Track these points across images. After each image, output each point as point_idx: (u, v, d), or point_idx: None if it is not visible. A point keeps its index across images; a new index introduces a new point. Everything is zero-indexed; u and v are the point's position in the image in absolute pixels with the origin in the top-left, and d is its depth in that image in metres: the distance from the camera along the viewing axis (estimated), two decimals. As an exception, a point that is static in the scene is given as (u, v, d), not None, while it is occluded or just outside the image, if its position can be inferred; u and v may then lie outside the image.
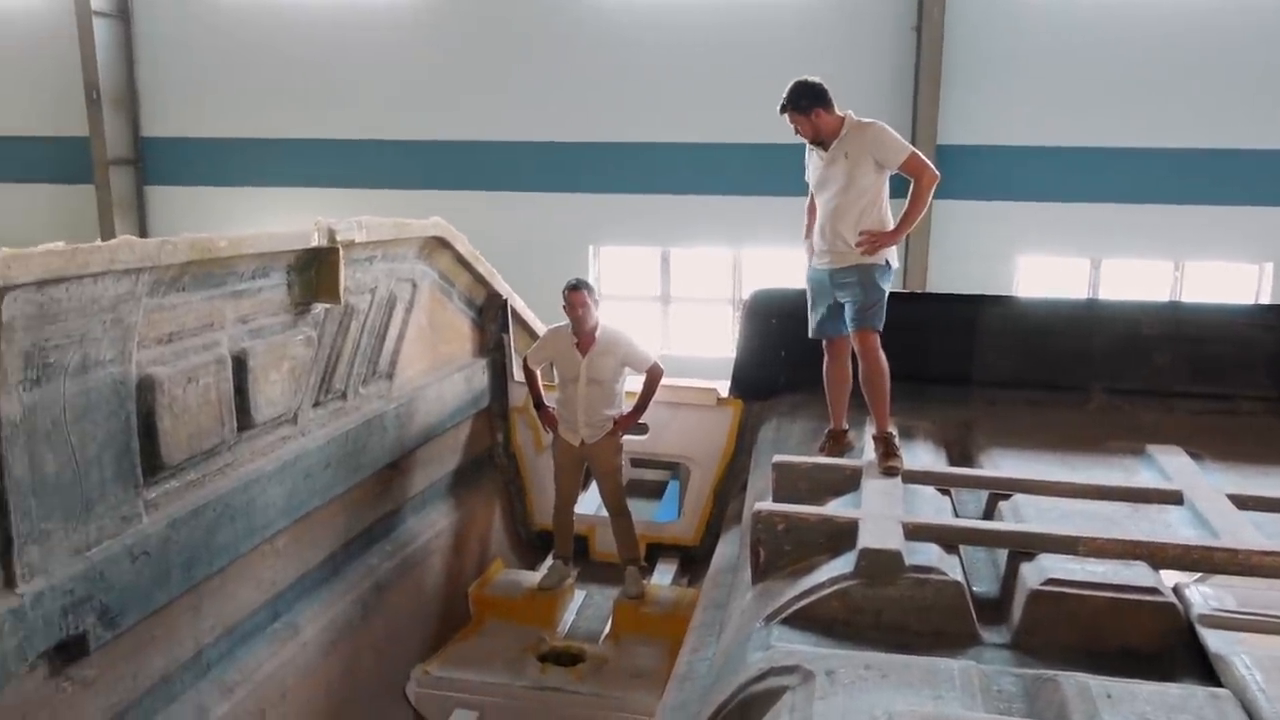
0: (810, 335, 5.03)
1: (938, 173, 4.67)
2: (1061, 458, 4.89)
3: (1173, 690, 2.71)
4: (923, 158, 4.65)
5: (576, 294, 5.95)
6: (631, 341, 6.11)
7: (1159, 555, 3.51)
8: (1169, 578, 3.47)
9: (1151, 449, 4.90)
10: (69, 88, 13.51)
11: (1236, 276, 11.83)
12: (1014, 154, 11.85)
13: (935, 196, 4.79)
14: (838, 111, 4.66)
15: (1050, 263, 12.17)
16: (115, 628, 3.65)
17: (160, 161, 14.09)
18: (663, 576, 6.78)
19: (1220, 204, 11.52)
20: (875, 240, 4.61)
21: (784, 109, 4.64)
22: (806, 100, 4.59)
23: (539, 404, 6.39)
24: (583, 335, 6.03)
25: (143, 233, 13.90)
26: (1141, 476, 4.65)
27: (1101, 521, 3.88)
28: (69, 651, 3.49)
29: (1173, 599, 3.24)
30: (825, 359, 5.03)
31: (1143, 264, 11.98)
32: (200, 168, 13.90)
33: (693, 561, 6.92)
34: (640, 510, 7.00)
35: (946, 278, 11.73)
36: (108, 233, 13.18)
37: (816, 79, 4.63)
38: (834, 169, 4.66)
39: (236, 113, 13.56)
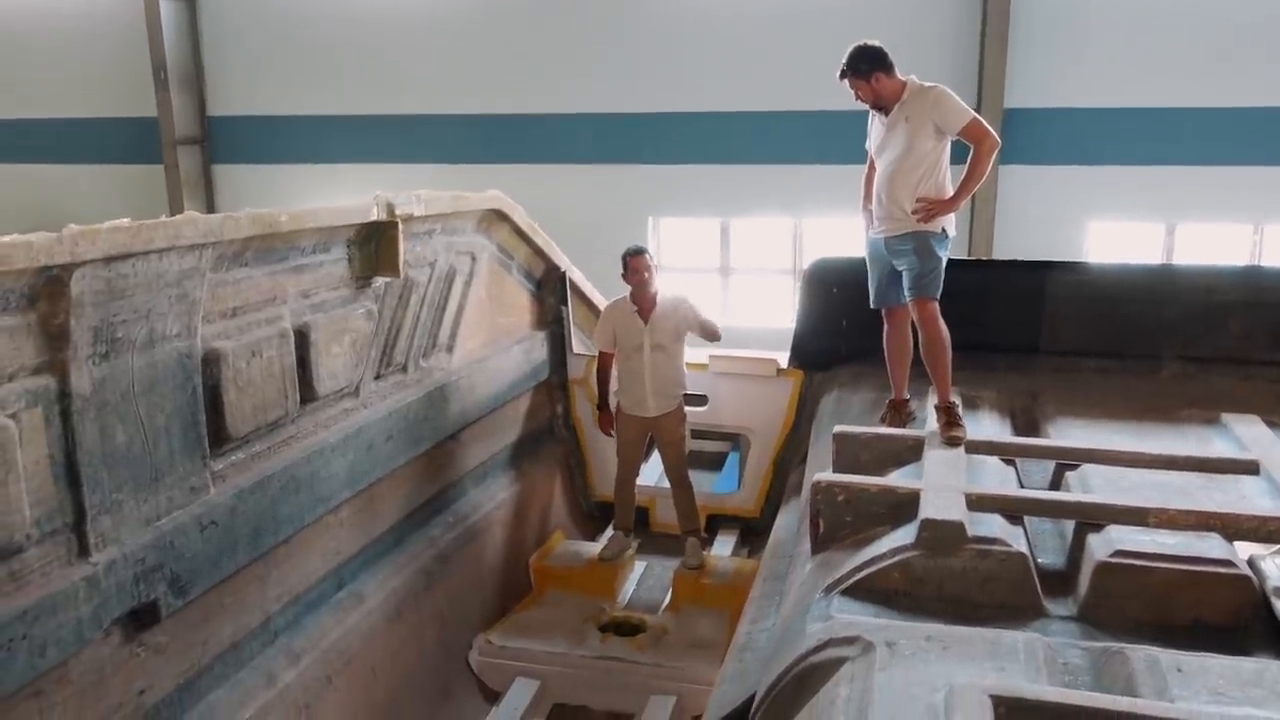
0: (872, 305, 4.97)
1: (998, 139, 4.57)
2: (1132, 427, 4.76)
3: (1246, 664, 2.63)
4: (984, 123, 4.54)
5: (638, 259, 5.97)
6: (695, 306, 6.10)
7: (1233, 527, 3.40)
8: (1243, 550, 3.36)
9: (1227, 418, 4.74)
10: (137, 69, 13.78)
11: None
12: (1084, 116, 11.48)
13: (1003, 162, 4.70)
14: (899, 76, 4.56)
15: (1123, 228, 11.79)
16: (185, 595, 3.74)
17: (226, 140, 14.33)
18: (723, 547, 6.77)
19: (1302, 164, 11.09)
20: (932, 207, 4.52)
21: (843, 74, 4.56)
22: (866, 64, 4.50)
23: (603, 405, 6.44)
24: (644, 302, 6.04)
25: (210, 210, 14.17)
26: (1216, 446, 4.50)
27: (1173, 492, 3.76)
28: (141, 618, 3.59)
29: (1247, 571, 3.14)
30: (885, 328, 4.96)
31: (1220, 228, 11.58)
32: (265, 145, 14.11)
33: (753, 532, 6.90)
34: (700, 481, 6.99)
35: (1015, 245, 11.44)
36: (176, 211, 13.44)
37: (876, 43, 4.54)
38: (894, 134, 4.57)
39: (299, 90, 13.72)
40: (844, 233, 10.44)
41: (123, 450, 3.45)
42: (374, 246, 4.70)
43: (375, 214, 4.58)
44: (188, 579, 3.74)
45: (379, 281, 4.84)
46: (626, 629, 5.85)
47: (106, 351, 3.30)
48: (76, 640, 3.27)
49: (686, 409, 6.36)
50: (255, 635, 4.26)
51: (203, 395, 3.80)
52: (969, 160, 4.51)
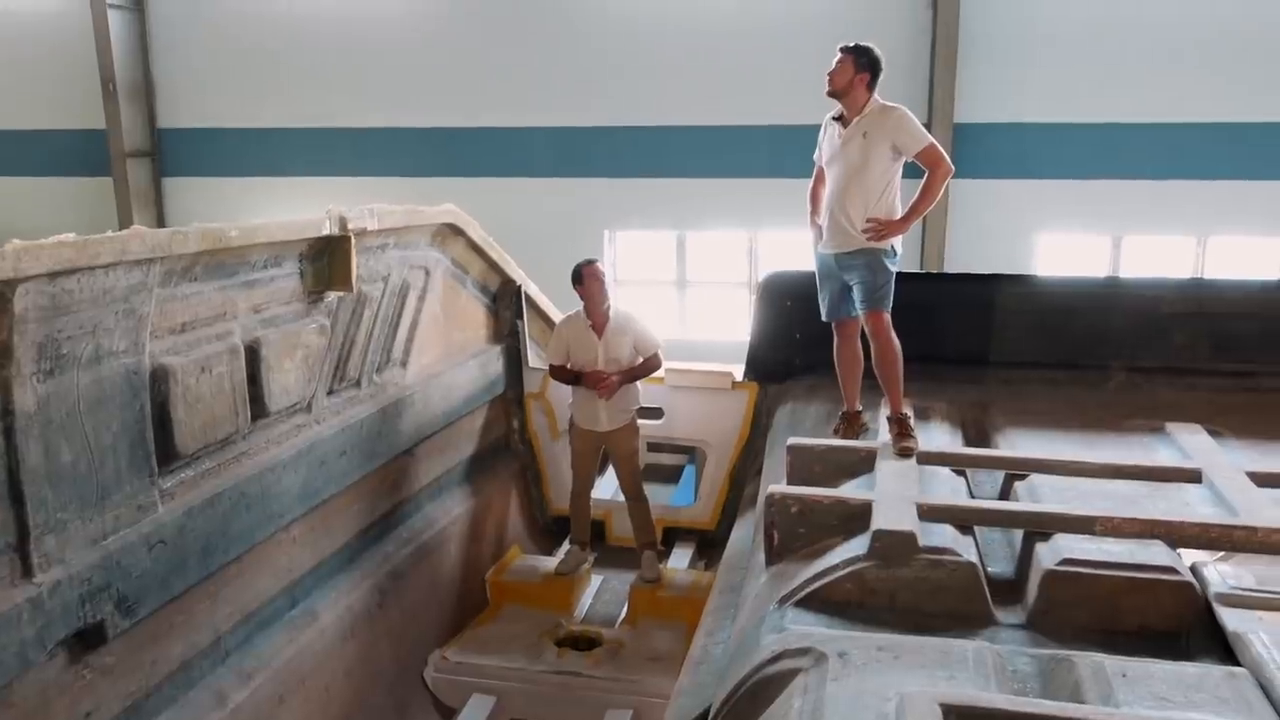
0: (824, 319, 5.01)
1: (952, 166, 4.65)
2: (1080, 437, 4.84)
3: (1189, 669, 2.69)
4: (940, 150, 4.61)
5: (591, 267, 5.97)
6: (643, 323, 6.11)
7: (1177, 534, 3.47)
8: (1187, 557, 3.43)
9: (1171, 427, 4.84)
10: (85, 81, 13.57)
11: (1260, 251, 11.65)
12: (1033, 131, 11.71)
13: (953, 176, 4.75)
14: (872, 94, 4.63)
15: (1070, 241, 12.02)
16: (133, 616, 3.68)
17: (177, 153, 14.15)
18: (679, 560, 6.78)
19: (1243, 179, 11.34)
20: (882, 229, 4.57)
21: (845, 49, 4.61)
22: (866, 60, 4.58)
23: (576, 380, 6.14)
24: (596, 316, 6.03)
25: (161, 224, 13.97)
26: (1160, 455, 4.60)
27: (1119, 501, 3.83)
28: (88, 639, 3.53)
29: (1190, 578, 3.21)
30: (835, 341, 5.01)
31: (1165, 240, 11.83)
32: (217, 158, 13.95)
33: (709, 545, 6.91)
34: (656, 494, 7.00)
35: (965, 257, 11.62)
36: (126, 225, 13.20)
37: (882, 57, 4.62)
38: (850, 147, 4.62)
39: (252, 103, 13.59)
40: (799, 246, 10.49)
41: (68, 468, 3.39)
42: (326, 261, 4.66)
43: (328, 228, 4.55)
44: (135, 599, 3.68)
45: (332, 296, 4.80)
46: (583, 643, 5.83)
47: (51, 368, 3.25)
48: (19, 663, 3.21)
49: (642, 422, 6.37)
50: (206, 655, 4.19)
51: (151, 412, 3.75)
52: (922, 184, 4.57)
